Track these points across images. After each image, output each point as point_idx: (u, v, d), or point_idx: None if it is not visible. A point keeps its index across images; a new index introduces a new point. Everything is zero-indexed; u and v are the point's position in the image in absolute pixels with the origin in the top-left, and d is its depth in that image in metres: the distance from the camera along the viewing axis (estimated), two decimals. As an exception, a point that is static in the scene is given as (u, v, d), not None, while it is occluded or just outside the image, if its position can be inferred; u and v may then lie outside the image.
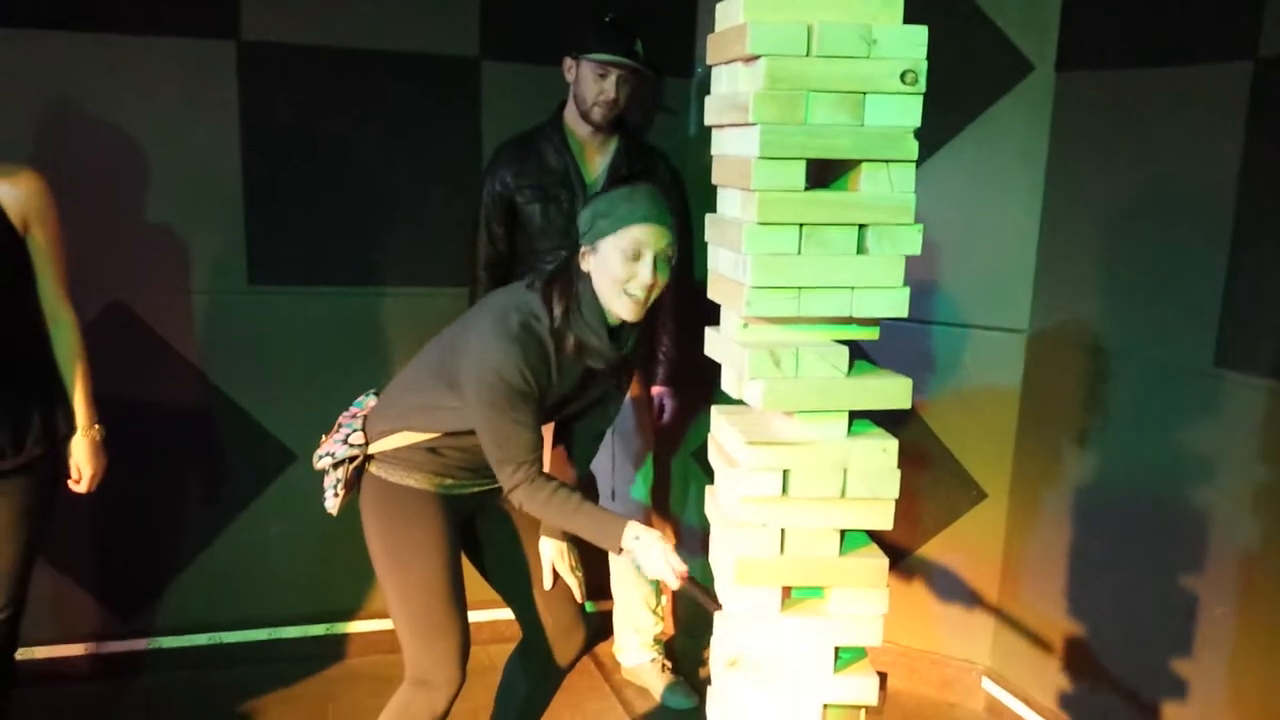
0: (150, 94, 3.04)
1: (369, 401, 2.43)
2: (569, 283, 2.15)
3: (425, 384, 2.28)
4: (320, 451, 2.35)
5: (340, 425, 2.38)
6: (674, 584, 2.07)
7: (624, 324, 2.19)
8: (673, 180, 3.20)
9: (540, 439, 2.18)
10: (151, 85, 3.04)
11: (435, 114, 3.30)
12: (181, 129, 3.08)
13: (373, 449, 2.30)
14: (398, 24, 3.21)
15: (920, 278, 3.07)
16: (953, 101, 3.00)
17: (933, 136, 3.00)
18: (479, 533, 2.49)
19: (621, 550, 2.14)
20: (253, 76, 3.11)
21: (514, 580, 2.51)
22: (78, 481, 2.51)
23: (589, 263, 2.13)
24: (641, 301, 2.10)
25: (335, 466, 2.31)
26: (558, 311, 2.13)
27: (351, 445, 2.29)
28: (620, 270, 2.07)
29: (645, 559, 2.10)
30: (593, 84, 2.98)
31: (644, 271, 2.07)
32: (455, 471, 2.32)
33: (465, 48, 3.28)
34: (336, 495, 2.30)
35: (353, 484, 2.33)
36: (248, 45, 3.09)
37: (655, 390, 3.32)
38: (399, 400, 2.33)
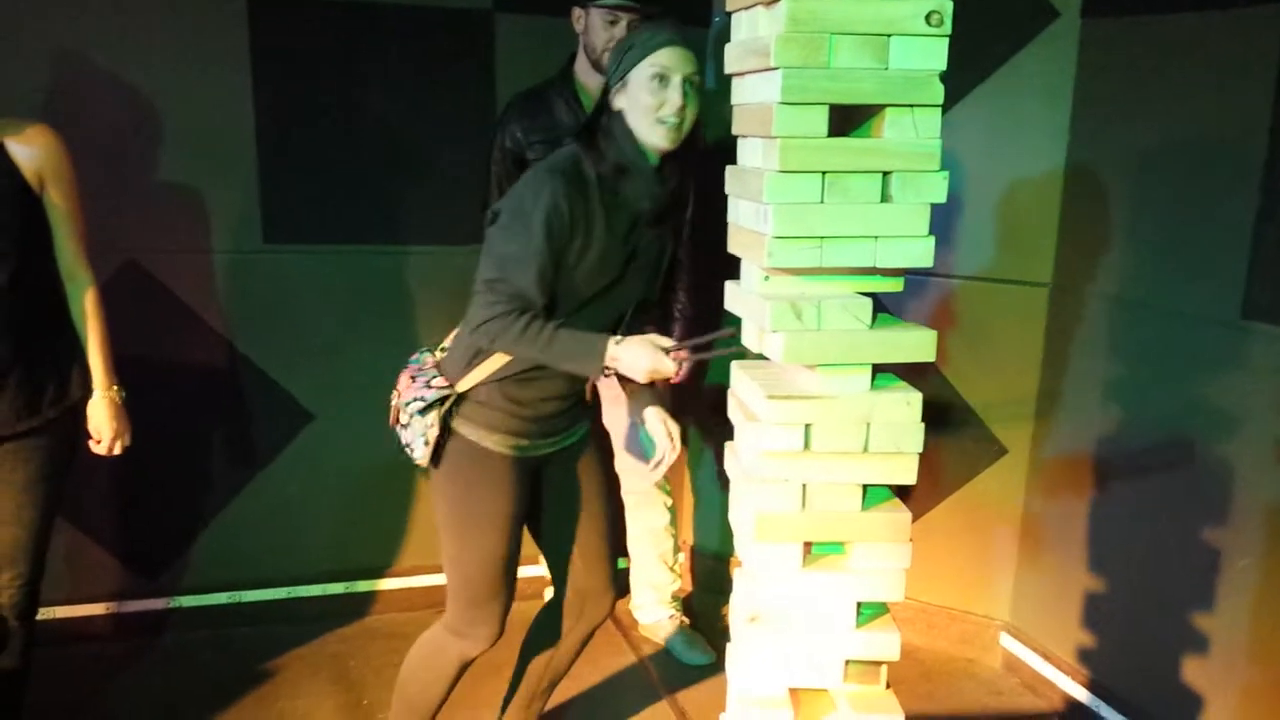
0: (161, 50, 3.01)
1: (427, 357, 2.40)
2: (605, 123, 2.19)
3: None
4: (404, 400, 2.31)
5: (413, 379, 2.34)
6: (673, 369, 2.07)
7: (664, 164, 2.19)
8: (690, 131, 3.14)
9: (540, 298, 2.12)
10: (163, 41, 3.01)
11: (449, 68, 3.26)
12: (194, 85, 3.05)
13: (460, 386, 2.27)
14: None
15: (941, 230, 3.04)
16: (976, 50, 2.94)
17: (955, 86, 2.91)
18: (539, 488, 2.46)
19: (607, 369, 2.12)
20: (264, 31, 3.07)
21: (560, 539, 2.51)
22: (99, 443, 2.49)
23: (620, 100, 2.16)
24: (676, 127, 2.12)
25: (425, 412, 2.27)
26: (601, 146, 2.17)
27: (438, 389, 2.27)
28: (650, 98, 2.10)
29: (635, 362, 2.09)
30: (602, 31, 2.93)
31: (674, 95, 2.10)
32: (531, 427, 2.30)
33: (479, 0, 3.23)
34: (428, 443, 2.26)
35: (444, 431, 2.29)
36: (258, 2, 3.05)
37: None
38: (464, 335, 2.30)
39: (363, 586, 3.52)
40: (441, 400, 2.26)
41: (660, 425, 2.33)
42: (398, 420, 2.34)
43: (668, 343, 2.10)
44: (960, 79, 2.96)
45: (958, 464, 3.27)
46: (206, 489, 3.33)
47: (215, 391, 3.27)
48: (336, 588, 3.49)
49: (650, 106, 2.10)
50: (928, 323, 3.11)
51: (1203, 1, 2.54)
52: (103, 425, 2.47)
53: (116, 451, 2.51)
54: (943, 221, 2.94)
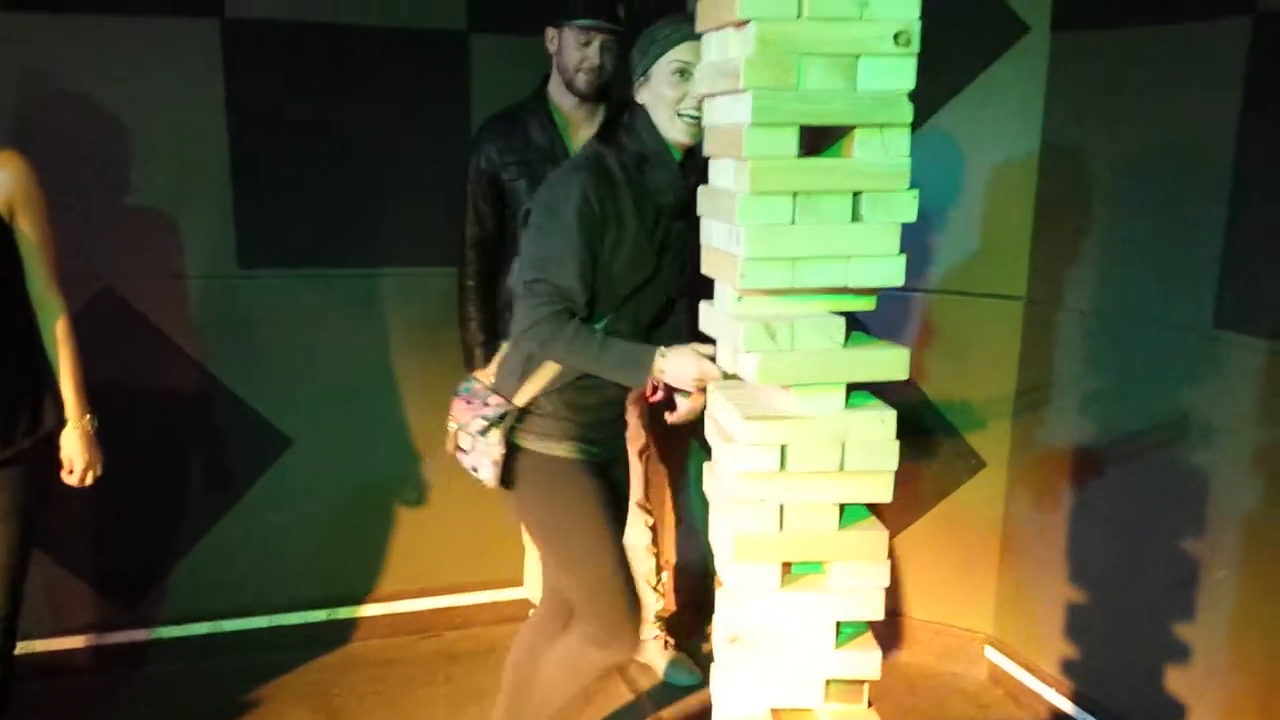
0: (134, 75, 3.00)
1: (474, 384, 2.38)
2: (627, 119, 2.22)
3: None
4: (462, 423, 2.30)
5: (467, 403, 2.32)
6: (719, 374, 2.02)
7: (685, 159, 2.22)
8: None
9: (583, 294, 2.13)
10: (135, 66, 2.99)
11: (425, 89, 3.26)
12: (167, 110, 3.04)
13: (518, 401, 2.26)
14: (384, -1, 3.16)
15: (916, 244, 3.05)
16: (948, 65, 2.96)
17: (928, 101, 2.96)
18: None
19: (656, 386, 2.11)
20: (237, 55, 3.06)
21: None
22: (70, 473, 2.47)
23: (643, 95, 2.20)
24: (696, 121, 2.12)
25: (486, 431, 2.25)
26: (622, 139, 2.21)
27: (496, 406, 2.26)
28: (671, 91, 2.14)
29: (682, 370, 2.07)
30: (575, 51, 2.93)
31: (695, 88, 2.11)
32: (596, 433, 2.31)
33: (453, 21, 3.24)
34: (495, 463, 2.25)
35: (509, 450, 2.27)
36: (231, 23, 3.04)
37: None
38: (515, 345, 2.30)
39: (344, 613, 3.49)
40: (502, 417, 2.24)
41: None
42: (457, 446, 2.33)
43: (711, 350, 2.05)
44: (933, 93, 2.99)
45: (938, 478, 3.28)
46: (185, 517, 3.30)
47: (192, 418, 3.25)
48: (318, 615, 3.46)
49: (672, 100, 2.14)
50: (904, 337, 3.16)
51: (1169, 15, 2.57)
52: (75, 455, 2.45)
53: (88, 482, 2.49)
54: (918, 236, 2.96)
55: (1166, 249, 2.62)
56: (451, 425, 2.35)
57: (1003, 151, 3.01)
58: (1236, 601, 2.51)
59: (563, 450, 2.28)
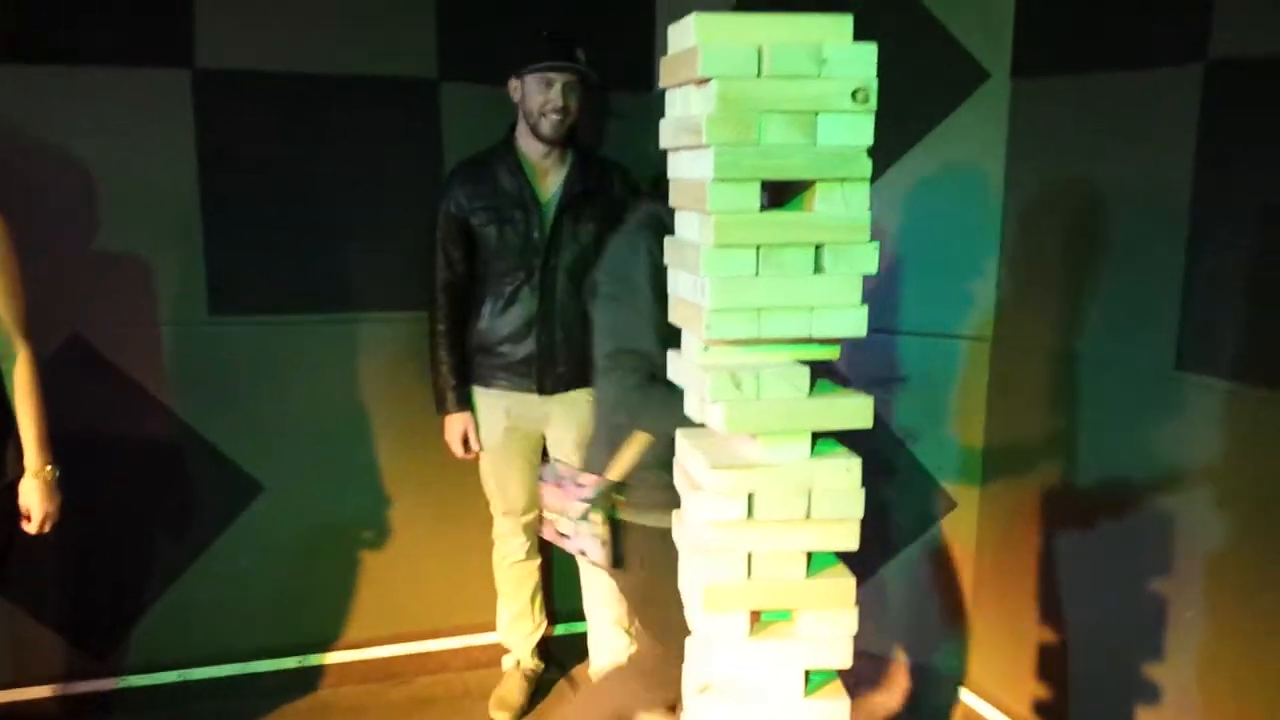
0: (105, 125, 3.00)
1: (559, 466, 2.37)
2: None
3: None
4: (560, 509, 2.27)
5: (558, 486, 2.29)
6: None
7: None
8: (630, 193, 3.19)
9: (663, 357, 2.08)
10: (106, 116, 3.00)
11: (395, 138, 3.28)
12: (138, 159, 3.05)
13: (612, 476, 2.23)
14: (354, 48, 3.18)
15: (885, 287, 3.09)
16: (911, 111, 3.01)
17: (892, 146, 3.02)
18: None
19: None
20: (208, 104, 3.08)
21: None
22: (29, 522, 2.45)
23: None
24: None
25: (588, 514, 2.23)
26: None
27: (593, 485, 2.22)
28: None
29: None
30: (538, 95, 2.97)
31: None
32: None
33: (424, 70, 3.26)
34: (604, 543, 2.21)
35: (614, 526, 2.25)
36: (202, 73, 3.06)
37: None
38: (603, 419, 2.27)
39: (316, 660, 3.46)
40: (602, 495, 2.21)
41: None
42: (557, 533, 2.29)
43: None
44: (897, 139, 3.04)
45: (909, 519, 3.30)
46: (155, 565, 3.28)
47: (163, 465, 3.23)
48: (289, 662, 3.44)
49: None
50: (873, 378, 3.18)
51: (1124, 62, 2.62)
52: (34, 505, 2.43)
53: (46, 530, 2.48)
54: (887, 278, 3.00)
55: (1128, 291, 2.66)
56: (548, 514, 2.32)
57: (967, 195, 3.06)
58: (1204, 641, 2.53)
59: (665, 520, 2.20)
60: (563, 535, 2.30)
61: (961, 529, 3.23)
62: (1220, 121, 2.41)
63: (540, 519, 2.39)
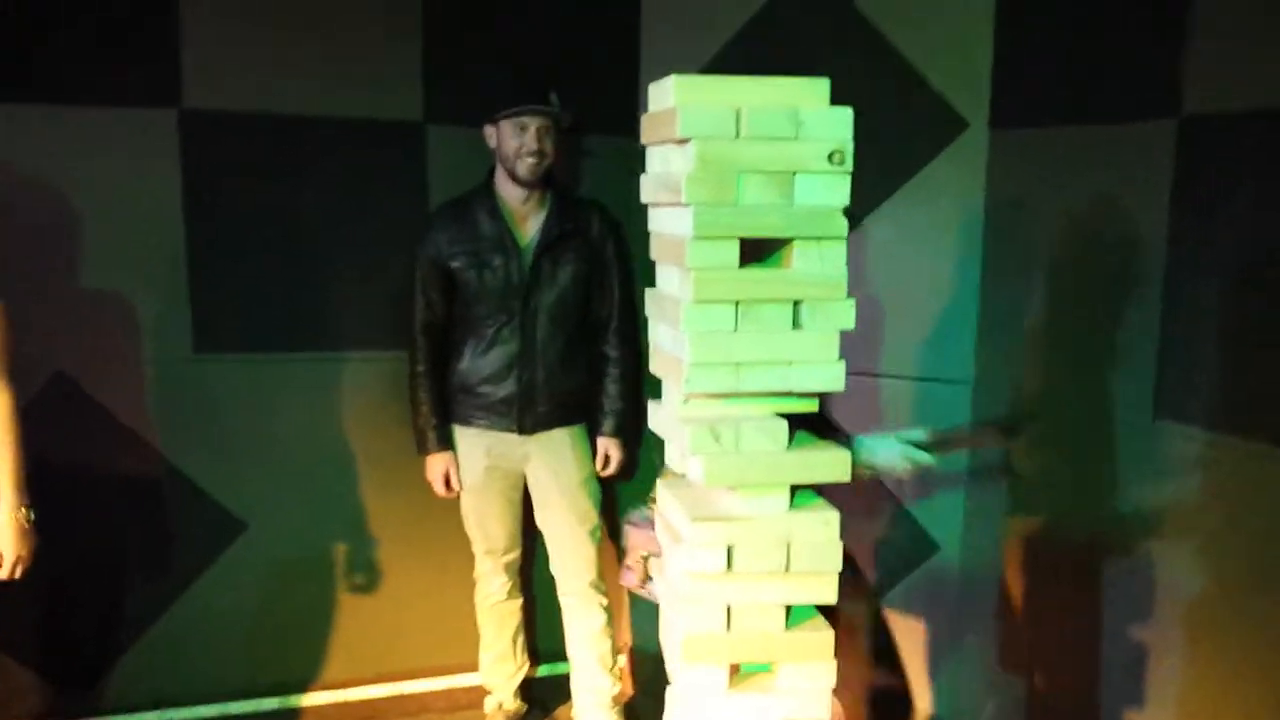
0: (92, 164, 3.01)
1: (643, 509, 2.36)
2: None
3: None
4: (651, 552, 2.26)
5: (652, 527, 2.25)
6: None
7: None
8: (609, 230, 3.22)
9: None
10: (93, 155, 3.01)
11: (381, 179, 3.30)
12: (124, 199, 3.05)
13: None
14: (340, 90, 3.21)
15: (868, 332, 3.11)
16: (891, 159, 3.04)
17: (872, 194, 3.04)
18: None
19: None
20: (194, 145, 3.09)
21: None
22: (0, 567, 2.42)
23: None
24: None
25: None
26: None
27: None
28: None
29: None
30: (513, 139, 3.00)
31: None
32: None
33: (409, 113, 3.29)
34: None
35: None
36: (189, 113, 3.08)
37: (601, 441, 3.31)
38: None
39: (297, 700, 3.45)
40: None
41: None
42: (646, 578, 2.30)
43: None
44: (877, 187, 3.07)
45: (893, 561, 3.31)
46: (137, 603, 3.26)
47: (146, 502, 3.22)
48: (270, 703, 3.41)
49: None
50: (860, 421, 3.20)
51: (1099, 116, 2.67)
52: (5, 547, 2.40)
53: (17, 575, 2.44)
54: (867, 322, 3.01)
55: (1105, 341, 2.69)
56: (637, 557, 2.31)
57: (946, 242, 3.09)
58: (1183, 688, 2.54)
59: None
60: (650, 579, 2.29)
61: (944, 573, 3.24)
62: (1194, 175, 2.45)
63: (621, 565, 2.35)
